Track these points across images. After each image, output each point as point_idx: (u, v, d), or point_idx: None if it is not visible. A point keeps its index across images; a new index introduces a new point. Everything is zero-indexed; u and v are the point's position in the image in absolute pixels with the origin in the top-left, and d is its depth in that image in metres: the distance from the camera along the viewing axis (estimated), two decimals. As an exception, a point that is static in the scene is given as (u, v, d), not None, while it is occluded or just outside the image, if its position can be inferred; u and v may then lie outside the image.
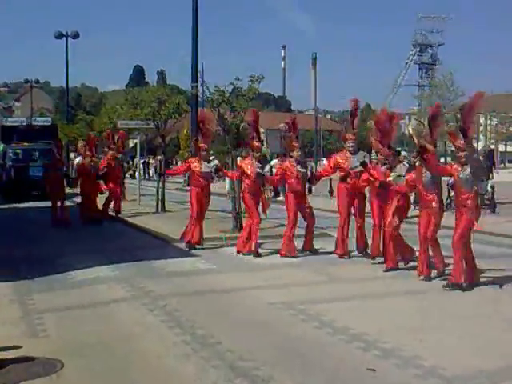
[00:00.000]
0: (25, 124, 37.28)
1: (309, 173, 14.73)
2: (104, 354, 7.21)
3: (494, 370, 6.52)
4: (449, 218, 11.23)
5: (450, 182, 22.88)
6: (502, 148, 73.42)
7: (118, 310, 9.31)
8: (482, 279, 10.81)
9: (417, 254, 11.42)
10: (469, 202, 10.22)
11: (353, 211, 13.37)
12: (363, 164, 12.35)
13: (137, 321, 8.67)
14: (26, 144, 32.87)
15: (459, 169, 10.32)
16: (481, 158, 23.68)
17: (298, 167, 13.62)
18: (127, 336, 7.95)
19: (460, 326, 8.16)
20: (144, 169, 41.62)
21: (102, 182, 21.50)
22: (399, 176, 11.66)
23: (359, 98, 14.13)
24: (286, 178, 13.85)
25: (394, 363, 6.78)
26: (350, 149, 13.36)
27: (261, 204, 14.18)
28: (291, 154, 13.84)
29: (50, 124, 38.83)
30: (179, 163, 57.76)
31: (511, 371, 6.55)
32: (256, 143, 14.21)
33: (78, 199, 22.44)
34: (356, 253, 13.29)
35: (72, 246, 15.34)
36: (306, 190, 14.82)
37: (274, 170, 33.38)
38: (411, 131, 13.03)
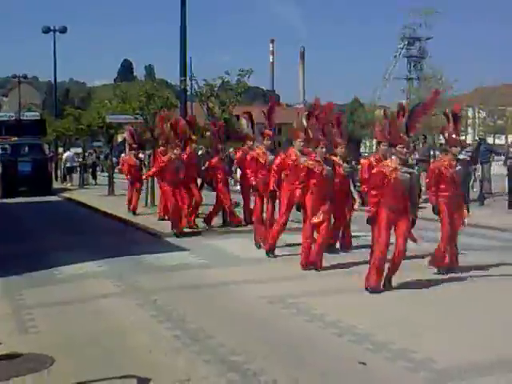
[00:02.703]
0: (13, 118, 37.03)
1: None
2: (94, 349, 7.19)
3: (484, 362, 6.54)
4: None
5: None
6: (490, 141, 73.63)
7: (108, 305, 9.28)
8: (473, 272, 10.86)
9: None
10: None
11: None
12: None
13: (127, 316, 8.65)
14: (14, 139, 32.63)
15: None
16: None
17: (344, 165, 13.44)
18: (118, 331, 7.93)
19: (451, 320, 8.18)
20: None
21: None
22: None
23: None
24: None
25: (384, 356, 6.79)
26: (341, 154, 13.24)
27: None
28: (334, 150, 13.55)
29: (38, 118, 38.59)
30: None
31: (501, 364, 6.55)
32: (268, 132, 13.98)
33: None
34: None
35: (61, 242, 15.30)
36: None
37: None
38: (304, 124, 12.58)
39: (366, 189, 11.58)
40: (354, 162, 13.92)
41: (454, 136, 10.94)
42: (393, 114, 10.34)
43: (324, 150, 11.55)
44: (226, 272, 11.57)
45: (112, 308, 9.16)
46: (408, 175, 9.73)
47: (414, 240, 10.22)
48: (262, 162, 13.75)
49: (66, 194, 30.56)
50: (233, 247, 13.94)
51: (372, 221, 9.76)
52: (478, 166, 23.75)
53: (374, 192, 9.77)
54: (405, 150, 9.72)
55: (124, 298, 9.64)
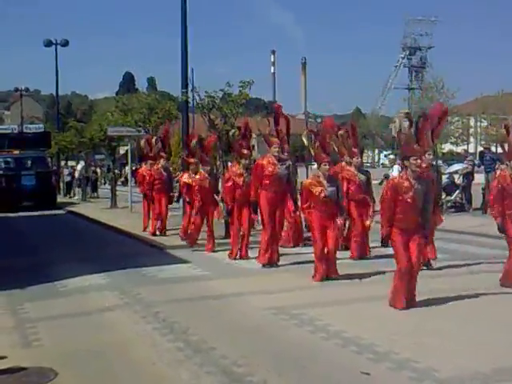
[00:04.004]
0: (16, 131, 36.73)
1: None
2: (97, 362, 7.19)
3: (488, 371, 6.52)
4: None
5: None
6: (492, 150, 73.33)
7: (111, 318, 9.27)
8: (475, 281, 10.85)
9: None
10: None
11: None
12: None
13: (130, 328, 8.65)
14: (17, 152, 32.38)
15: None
16: None
17: (359, 174, 13.54)
18: (120, 344, 7.92)
19: (454, 329, 8.15)
20: (135, 176, 41.18)
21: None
22: None
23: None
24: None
25: (388, 366, 6.77)
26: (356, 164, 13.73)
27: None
28: (350, 160, 13.58)
29: (42, 131, 38.20)
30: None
31: (505, 373, 6.54)
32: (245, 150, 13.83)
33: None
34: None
35: (63, 255, 15.29)
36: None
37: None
38: (305, 142, 12.40)
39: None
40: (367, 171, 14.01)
41: None
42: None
43: (327, 167, 11.29)
44: (228, 283, 11.56)
45: (115, 321, 9.15)
46: (422, 188, 9.22)
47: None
48: (240, 182, 13.60)
49: (71, 208, 30.41)
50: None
51: (387, 241, 9.35)
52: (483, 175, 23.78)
53: (385, 211, 9.30)
54: (419, 161, 9.17)
55: (127, 311, 9.63)
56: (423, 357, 6.95)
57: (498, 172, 11.53)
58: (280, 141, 13.44)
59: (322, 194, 11.16)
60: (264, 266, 12.80)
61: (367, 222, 13.18)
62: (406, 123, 9.97)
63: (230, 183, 13.70)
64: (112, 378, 6.75)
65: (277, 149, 12.97)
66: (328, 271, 11.25)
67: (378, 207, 12.57)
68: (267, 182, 12.75)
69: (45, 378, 6.69)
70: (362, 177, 13.50)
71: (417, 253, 9.24)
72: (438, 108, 10.91)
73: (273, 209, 12.88)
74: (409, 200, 9.12)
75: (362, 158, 15.09)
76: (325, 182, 11.22)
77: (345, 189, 12.82)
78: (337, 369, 6.83)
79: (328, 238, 11.21)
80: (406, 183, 9.14)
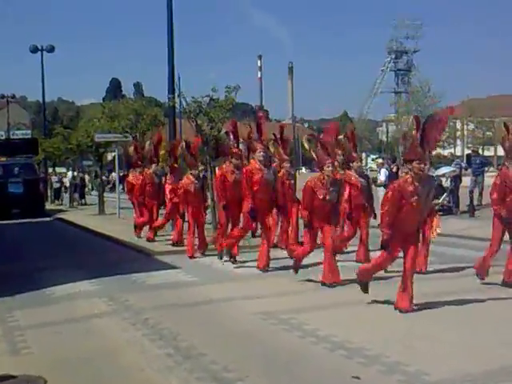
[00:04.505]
0: (3, 138, 36.41)
1: None
2: (87, 369, 7.15)
3: (479, 373, 6.53)
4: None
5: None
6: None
7: (100, 325, 9.24)
8: (464, 283, 10.87)
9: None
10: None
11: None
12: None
13: (119, 335, 8.61)
14: (3, 159, 32.12)
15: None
16: None
17: (360, 178, 13.52)
18: (110, 350, 7.89)
19: (444, 332, 8.15)
20: (123, 182, 41.15)
21: None
22: None
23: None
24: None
25: (378, 370, 6.76)
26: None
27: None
28: (350, 164, 13.55)
29: (29, 138, 37.90)
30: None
31: (497, 374, 6.54)
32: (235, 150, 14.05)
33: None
34: None
35: (51, 262, 15.22)
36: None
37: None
38: (306, 146, 12.31)
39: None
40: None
41: None
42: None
43: (330, 168, 11.25)
44: (217, 289, 11.55)
45: (104, 327, 9.12)
46: (425, 191, 9.17)
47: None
48: (231, 181, 13.75)
49: (59, 215, 30.27)
50: (223, 264, 13.89)
51: (387, 246, 9.24)
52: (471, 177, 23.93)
53: (387, 215, 9.13)
54: (422, 165, 9.06)
55: (116, 317, 9.60)
56: (414, 360, 6.95)
57: (497, 171, 11.51)
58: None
59: (327, 197, 11.18)
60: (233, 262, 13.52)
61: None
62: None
63: (221, 183, 13.98)
64: (101, 386, 6.73)
65: (261, 153, 13.01)
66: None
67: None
68: (256, 188, 12.78)
69: (34, 386, 6.66)
70: (363, 181, 13.51)
71: (411, 259, 9.27)
72: (446, 113, 10.66)
73: (261, 214, 12.95)
74: (413, 204, 9.07)
75: (361, 162, 15.15)
76: (328, 185, 11.24)
77: (347, 193, 12.84)
78: (327, 373, 6.83)
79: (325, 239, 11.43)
80: (411, 187, 9.05)
